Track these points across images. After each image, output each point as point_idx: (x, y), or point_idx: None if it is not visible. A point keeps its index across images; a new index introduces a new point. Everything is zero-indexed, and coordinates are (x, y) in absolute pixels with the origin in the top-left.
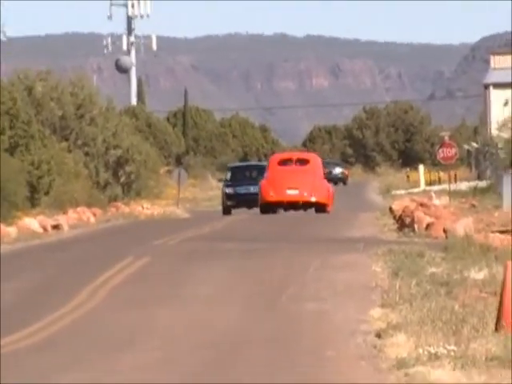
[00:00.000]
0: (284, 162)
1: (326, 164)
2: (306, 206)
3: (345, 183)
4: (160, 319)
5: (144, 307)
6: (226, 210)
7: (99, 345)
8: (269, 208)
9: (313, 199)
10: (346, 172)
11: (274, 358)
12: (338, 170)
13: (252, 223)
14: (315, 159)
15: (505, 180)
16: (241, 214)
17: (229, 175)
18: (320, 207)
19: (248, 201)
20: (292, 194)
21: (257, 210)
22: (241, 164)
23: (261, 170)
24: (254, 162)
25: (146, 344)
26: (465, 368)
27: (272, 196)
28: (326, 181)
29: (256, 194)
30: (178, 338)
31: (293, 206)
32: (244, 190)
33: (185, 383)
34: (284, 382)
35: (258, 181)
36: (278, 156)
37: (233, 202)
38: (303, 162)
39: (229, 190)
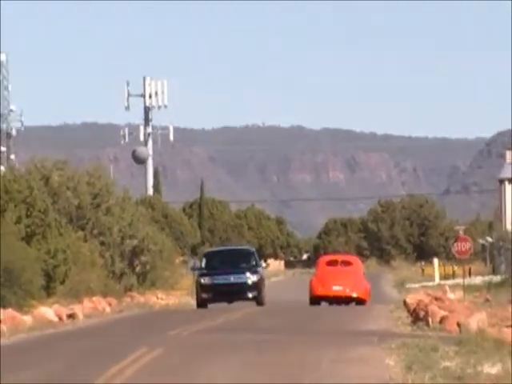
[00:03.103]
0: (331, 263)
1: None
2: (348, 300)
3: None
4: None
5: None
6: (201, 304)
7: None
8: (317, 301)
9: (354, 295)
10: None
11: None
12: None
13: (266, 315)
14: (357, 262)
15: None
16: (252, 307)
17: (204, 262)
18: (359, 301)
19: (227, 293)
20: (337, 289)
21: (238, 304)
22: (218, 249)
23: (242, 256)
24: (233, 247)
25: None
26: None
27: (320, 291)
28: (365, 280)
29: (236, 285)
30: None
31: (337, 299)
32: (223, 281)
33: None
34: None
35: (239, 268)
36: (326, 258)
37: (209, 295)
38: (347, 263)
39: (204, 281)
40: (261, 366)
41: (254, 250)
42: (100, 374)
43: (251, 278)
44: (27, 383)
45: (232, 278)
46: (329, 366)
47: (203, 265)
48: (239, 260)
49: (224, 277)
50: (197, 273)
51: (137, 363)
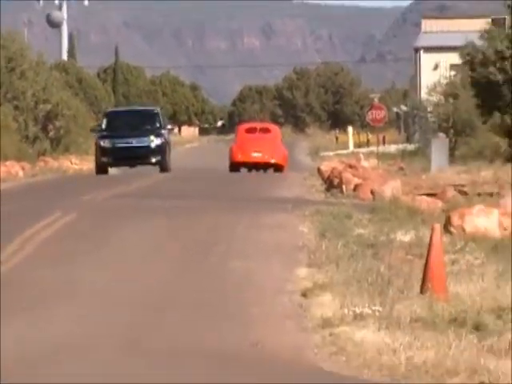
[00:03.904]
0: (250, 130)
1: None
2: (267, 166)
3: None
4: (85, 275)
5: (69, 263)
6: (101, 169)
7: (22, 300)
8: (236, 167)
9: (272, 161)
10: None
11: (200, 316)
12: None
13: (180, 182)
14: (275, 129)
15: (433, 144)
16: (169, 172)
17: (104, 123)
18: (278, 167)
19: (129, 157)
20: (256, 156)
21: (140, 168)
22: (120, 109)
23: (145, 117)
24: (136, 107)
25: (69, 300)
26: (389, 328)
27: (240, 157)
28: (283, 146)
29: (139, 148)
30: (102, 294)
31: (256, 166)
32: (124, 144)
33: (107, 341)
34: (207, 341)
35: (141, 131)
36: (245, 125)
37: (109, 159)
38: (266, 130)
39: (104, 143)
40: (174, 231)
41: (158, 110)
42: (13, 238)
43: (155, 142)
44: None
45: (134, 141)
46: (243, 231)
47: (103, 126)
48: (143, 122)
49: (125, 140)
50: (97, 135)
51: (50, 228)
